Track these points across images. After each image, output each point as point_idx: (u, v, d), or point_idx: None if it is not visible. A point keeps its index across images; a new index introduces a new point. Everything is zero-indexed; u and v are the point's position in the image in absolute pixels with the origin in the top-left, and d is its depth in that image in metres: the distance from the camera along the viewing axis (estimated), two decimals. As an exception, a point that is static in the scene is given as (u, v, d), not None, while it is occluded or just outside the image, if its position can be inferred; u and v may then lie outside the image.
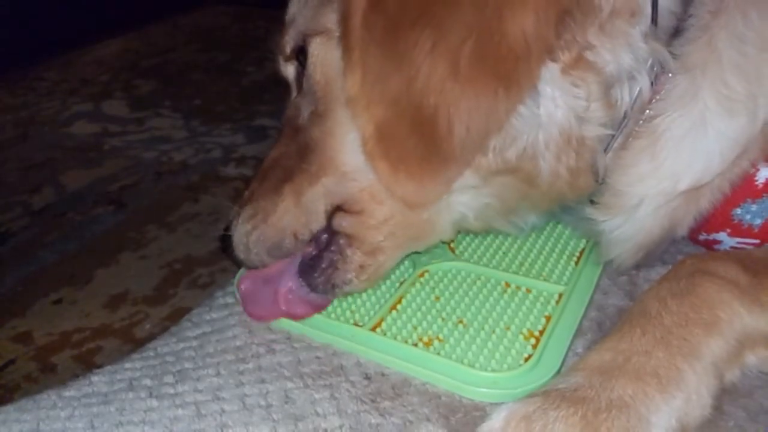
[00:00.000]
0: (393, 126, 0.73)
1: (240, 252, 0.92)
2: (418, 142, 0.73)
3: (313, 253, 0.89)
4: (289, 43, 0.89)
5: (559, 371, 0.80)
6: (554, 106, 0.74)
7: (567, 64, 0.72)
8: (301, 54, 0.86)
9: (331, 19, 0.80)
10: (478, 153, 0.75)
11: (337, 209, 0.86)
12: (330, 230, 0.87)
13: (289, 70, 0.92)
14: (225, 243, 0.95)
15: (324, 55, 0.82)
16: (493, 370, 0.81)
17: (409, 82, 0.70)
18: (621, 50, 0.73)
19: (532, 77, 0.70)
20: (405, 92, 0.71)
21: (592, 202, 0.85)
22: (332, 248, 0.88)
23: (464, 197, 0.84)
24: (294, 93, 0.92)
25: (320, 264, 0.89)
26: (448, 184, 0.78)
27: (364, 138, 0.76)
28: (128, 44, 3.20)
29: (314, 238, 0.89)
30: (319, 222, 0.87)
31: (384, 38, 0.72)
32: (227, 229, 0.94)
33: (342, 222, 0.86)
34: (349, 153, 0.81)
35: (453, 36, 0.68)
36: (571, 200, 0.85)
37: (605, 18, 0.72)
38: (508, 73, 0.69)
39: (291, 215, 0.87)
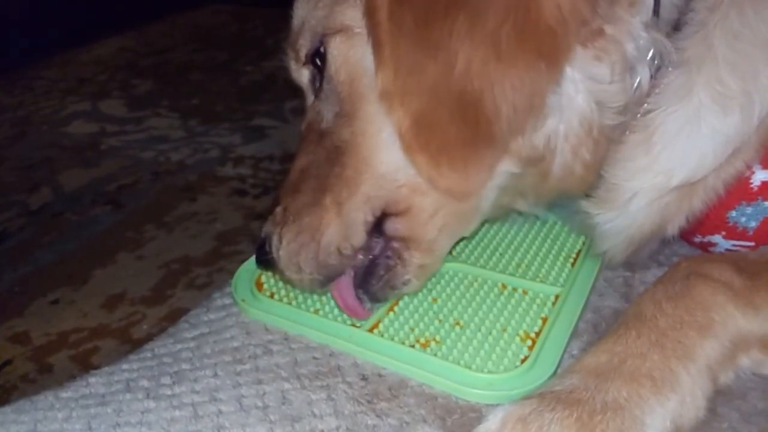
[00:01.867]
0: (432, 116, 0.73)
1: (292, 273, 0.88)
2: (461, 129, 0.72)
3: (366, 262, 0.87)
4: (303, 46, 0.87)
5: (555, 373, 0.81)
6: (575, 90, 0.74)
7: (587, 37, 0.72)
8: (317, 56, 0.84)
9: (349, 16, 0.79)
10: (521, 134, 0.75)
11: (384, 215, 0.84)
12: (384, 236, 0.86)
13: (304, 75, 0.90)
14: (262, 258, 0.92)
15: (346, 53, 0.81)
16: (490, 372, 0.81)
17: (447, 70, 0.70)
18: (622, 38, 0.73)
19: (570, 51, 0.71)
20: (443, 81, 0.71)
21: (587, 195, 0.85)
22: (388, 254, 0.86)
23: (497, 184, 0.82)
24: (311, 98, 0.90)
25: (377, 271, 0.87)
26: (490, 170, 0.77)
27: (401, 133, 0.75)
28: (126, 43, 3.20)
29: (364, 249, 0.86)
30: (359, 235, 0.84)
31: (415, 30, 0.71)
32: (261, 246, 0.91)
33: (395, 226, 0.84)
34: (384, 150, 0.80)
35: (489, 19, 0.68)
36: (575, 195, 0.85)
37: (605, 6, 0.72)
38: (548, 48, 0.69)
39: (333, 228, 0.84)
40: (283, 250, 0.87)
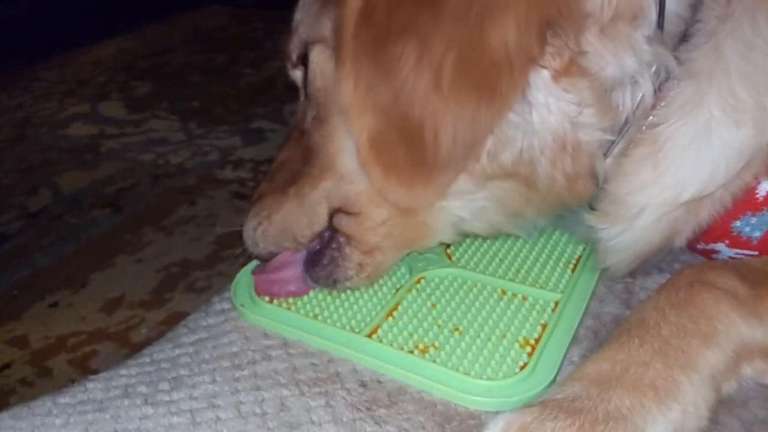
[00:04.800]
0: (384, 134, 0.74)
1: (249, 246, 0.96)
2: (407, 151, 0.73)
3: (317, 247, 0.92)
4: (294, 50, 0.90)
5: (554, 379, 0.80)
6: (547, 112, 0.73)
7: (557, 71, 0.72)
8: (305, 60, 0.87)
9: (328, 28, 0.81)
10: (469, 161, 0.76)
11: (338, 210, 0.88)
12: (331, 228, 0.89)
13: (297, 75, 0.93)
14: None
15: (323, 63, 0.83)
16: (489, 378, 0.81)
17: (396, 93, 0.71)
18: (623, 53, 0.73)
19: (516, 88, 0.70)
20: (393, 103, 0.71)
21: (591, 208, 0.85)
22: (333, 245, 0.90)
23: (461, 201, 0.84)
24: (302, 97, 0.94)
25: (322, 260, 0.91)
26: (440, 191, 0.78)
27: (358, 145, 0.76)
28: (125, 45, 3.20)
29: (318, 236, 0.91)
30: (320, 224, 0.90)
31: (373, 50, 0.72)
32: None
33: (341, 221, 0.88)
34: (347, 158, 0.83)
35: (436, 48, 0.68)
36: (572, 204, 0.85)
37: (607, 22, 0.72)
38: (490, 85, 0.68)
39: (294, 216, 0.90)
40: (245, 225, 0.95)
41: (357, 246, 0.89)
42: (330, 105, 0.83)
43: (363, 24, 0.72)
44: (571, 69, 0.72)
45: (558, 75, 0.72)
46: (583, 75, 0.72)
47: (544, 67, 0.71)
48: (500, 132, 0.74)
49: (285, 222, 0.91)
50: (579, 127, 0.74)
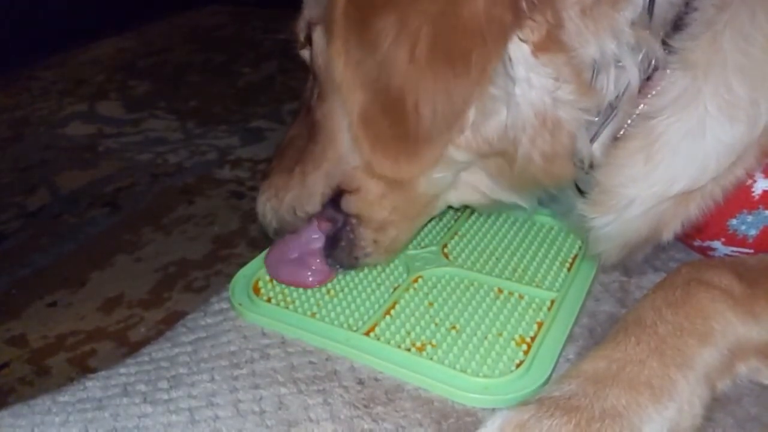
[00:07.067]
0: (370, 109, 0.76)
1: (261, 219, 1.01)
2: (392, 124, 0.75)
3: (331, 232, 0.97)
4: (302, 30, 0.93)
5: (550, 377, 0.81)
6: (528, 87, 0.74)
7: (536, 45, 0.72)
8: (311, 40, 0.90)
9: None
10: (452, 133, 0.77)
11: (342, 192, 0.91)
12: (343, 213, 0.93)
13: (306, 54, 0.95)
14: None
15: (323, 42, 0.85)
16: (485, 376, 0.81)
17: (379, 67, 0.73)
18: (604, 35, 0.73)
19: (490, 59, 0.71)
20: (377, 76, 0.74)
21: (581, 193, 0.85)
22: (347, 227, 0.94)
23: (451, 172, 0.87)
24: (311, 76, 0.96)
25: (339, 242, 0.96)
26: (426, 164, 0.80)
27: (351, 121, 0.79)
28: (124, 44, 3.20)
29: (327, 219, 0.97)
30: (313, 204, 0.94)
31: (359, 26, 0.74)
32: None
33: (349, 203, 0.91)
34: (344, 134, 0.86)
35: (412, 21, 0.70)
36: (549, 186, 0.85)
37: (590, 1, 0.72)
38: (464, 56, 0.70)
39: (294, 193, 0.94)
40: (258, 198, 1.00)
41: (368, 224, 0.92)
42: (331, 83, 0.85)
43: (350, 3, 0.74)
44: (550, 43, 0.72)
45: (537, 49, 0.72)
46: (561, 50, 0.73)
47: (524, 42, 0.72)
48: (482, 105, 0.76)
49: (286, 198, 0.95)
50: (559, 103, 0.74)
